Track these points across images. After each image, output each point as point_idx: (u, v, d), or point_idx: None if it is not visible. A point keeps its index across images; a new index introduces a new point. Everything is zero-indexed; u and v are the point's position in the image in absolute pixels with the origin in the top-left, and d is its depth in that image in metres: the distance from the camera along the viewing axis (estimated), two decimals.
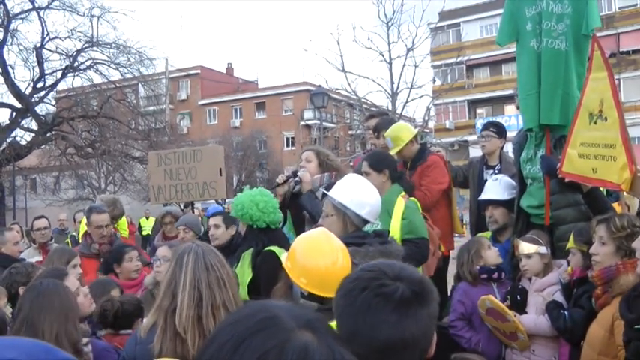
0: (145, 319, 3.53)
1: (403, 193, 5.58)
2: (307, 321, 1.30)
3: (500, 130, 7.16)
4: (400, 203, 5.46)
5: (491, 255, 5.24)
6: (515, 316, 4.73)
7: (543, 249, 4.85)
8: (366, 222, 4.24)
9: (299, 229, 5.73)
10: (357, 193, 4.27)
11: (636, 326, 3.41)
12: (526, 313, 4.82)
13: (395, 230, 5.35)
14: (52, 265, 5.03)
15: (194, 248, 3.36)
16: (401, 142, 6.51)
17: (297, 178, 5.93)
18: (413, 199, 5.64)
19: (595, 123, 4.71)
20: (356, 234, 4.01)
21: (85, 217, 8.91)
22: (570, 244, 4.64)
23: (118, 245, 6.73)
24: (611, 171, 4.53)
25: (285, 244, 5.14)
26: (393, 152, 6.50)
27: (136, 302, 4.75)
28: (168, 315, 3.24)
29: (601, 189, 5.16)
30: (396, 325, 1.95)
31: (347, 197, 4.23)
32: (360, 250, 3.64)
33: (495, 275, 5.15)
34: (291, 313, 1.32)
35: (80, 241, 8.24)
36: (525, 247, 4.87)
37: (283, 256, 3.49)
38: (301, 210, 5.79)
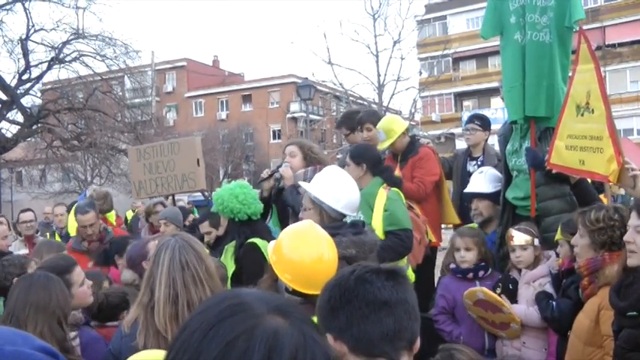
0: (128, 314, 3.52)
1: (385, 185, 5.58)
2: (277, 306, 1.29)
3: (484, 123, 7.26)
4: (382, 195, 5.46)
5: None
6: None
7: (537, 241, 4.88)
8: (343, 215, 4.26)
9: (285, 224, 5.74)
10: (333, 186, 4.28)
11: (629, 313, 3.44)
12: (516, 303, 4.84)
13: (377, 222, 5.35)
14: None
15: (171, 244, 3.32)
16: (394, 133, 6.51)
17: (278, 174, 5.94)
18: (395, 189, 5.64)
19: (582, 115, 4.73)
20: (330, 224, 3.97)
21: (69, 210, 8.94)
22: (558, 235, 4.66)
23: (120, 237, 6.74)
24: (598, 162, 4.55)
25: (268, 236, 5.16)
26: (386, 144, 6.51)
27: (122, 295, 4.75)
28: (148, 312, 3.25)
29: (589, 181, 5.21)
30: (394, 288, 2.13)
31: (322, 191, 4.25)
32: (334, 240, 3.64)
33: (470, 275, 5.19)
34: (260, 299, 1.30)
35: (70, 235, 8.28)
36: (522, 237, 4.87)
37: (270, 247, 3.47)
38: (286, 206, 5.80)
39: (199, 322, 1.26)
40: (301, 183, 4.69)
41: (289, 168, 5.91)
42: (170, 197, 8.61)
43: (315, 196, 4.24)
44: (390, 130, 6.53)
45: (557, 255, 4.79)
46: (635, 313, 3.40)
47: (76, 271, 4.20)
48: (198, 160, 7.86)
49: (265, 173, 6.06)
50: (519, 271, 4.94)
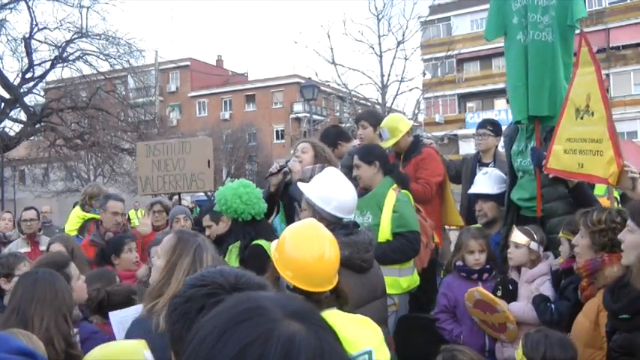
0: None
1: (395, 186, 5.57)
2: (294, 311, 1.24)
3: (496, 129, 7.20)
4: (391, 196, 5.45)
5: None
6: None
7: (535, 245, 4.84)
8: (337, 217, 4.25)
9: (290, 221, 5.74)
10: (324, 188, 4.27)
11: (621, 316, 3.44)
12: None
13: (385, 223, 5.35)
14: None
15: (191, 242, 3.37)
16: (399, 132, 6.52)
17: (286, 168, 5.94)
18: (405, 191, 5.63)
19: (582, 118, 4.72)
20: None
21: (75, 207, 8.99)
22: (561, 233, 4.67)
23: (117, 236, 6.67)
24: (598, 165, 4.55)
25: (272, 236, 5.14)
26: (390, 143, 6.50)
27: (126, 293, 4.74)
28: None
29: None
30: None
31: (313, 192, 4.25)
32: None
33: (475, 276, 5.18)
34: (277, 303, 1.26)
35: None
36: (518, 237, 4.87)
37: (272, 245, 3.47)
38: (293, 201, 5.79)
39: (213, 325, 1.24)
40: (299, 184, 4.68)
41: (297, 163, 5.92)
42: (176, 196, 8.63)
43: (308, 197, 4.25)
44: (395, 128, 6.53)
45: (555, 255, 4.81)
46: (627, 315, 3.40)
47: (72, 265, 4.32)
48: (209, 162, 7.89)
49: (274, 167, 6.05)
50: (518, 271, 4.95)
